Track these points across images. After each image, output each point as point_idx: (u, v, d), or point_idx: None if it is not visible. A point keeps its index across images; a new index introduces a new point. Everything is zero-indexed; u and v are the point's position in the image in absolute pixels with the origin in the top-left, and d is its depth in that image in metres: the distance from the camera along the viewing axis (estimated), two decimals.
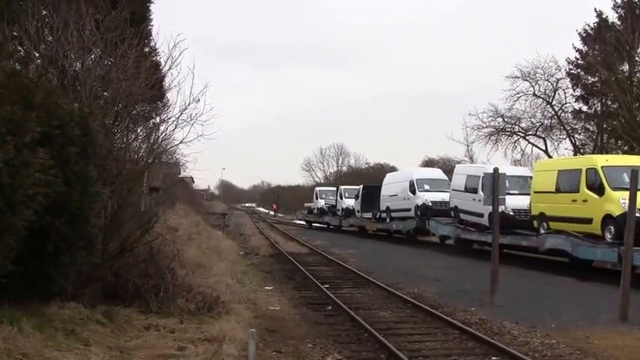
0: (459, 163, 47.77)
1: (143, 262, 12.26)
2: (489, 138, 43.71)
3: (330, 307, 14.64)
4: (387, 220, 36.43)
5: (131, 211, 13.07)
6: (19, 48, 12.67)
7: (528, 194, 23.42)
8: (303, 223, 61.16)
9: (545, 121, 42.57)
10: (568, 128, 41.52)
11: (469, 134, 45.55)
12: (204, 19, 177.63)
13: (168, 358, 8.65)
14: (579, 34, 38.91)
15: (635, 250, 13.91)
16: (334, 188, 53.48)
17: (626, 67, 35.37)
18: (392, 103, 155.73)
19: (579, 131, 41.51)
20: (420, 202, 31.73)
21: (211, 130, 13.19)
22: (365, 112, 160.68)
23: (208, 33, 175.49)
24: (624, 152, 32.24)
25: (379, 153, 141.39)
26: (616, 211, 17.79)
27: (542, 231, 21.93)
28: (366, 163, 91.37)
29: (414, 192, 32.67)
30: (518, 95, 42.07)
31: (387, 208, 36.22)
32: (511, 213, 23.53)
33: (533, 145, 43.66)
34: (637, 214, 13.17)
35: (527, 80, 41.80)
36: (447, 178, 33.47)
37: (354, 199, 43.75)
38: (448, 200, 29.41)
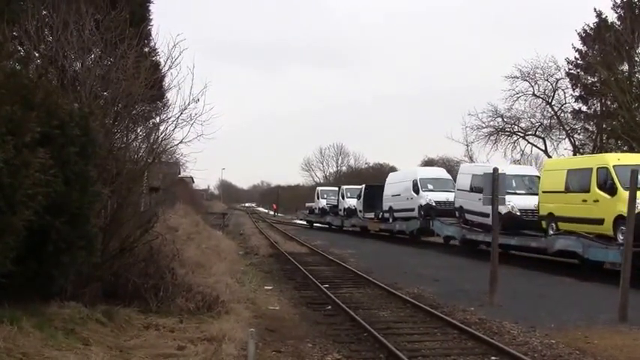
0: (458, 163, 47.88)
1: (143, 262, 12.28)
2: (489, 138, 43.79)
3: (329, 307, 14.65)
4: (390, 220, 36.01)
5: (131, 211, 13.08)
6: (19, 48, 12.67)
7: (536, 194, 23.06)
8: (304, 223, 60.84)
9: (545, 121, 42.68)
10: (567, 128, 41.56)
11: (469, 134, 45.59)
12: (204, 19, 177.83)
13: (167, 358, 8.66)
14: (579, 34, 38.98)
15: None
16: (336, 188, 53.17)
17: (625, 67, 35.39)
18: (392, 103, 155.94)
19: (579, 131, 41.57)
20: (423, 202, 31.39)
21: (211, 130, 13.23)
22: (365, 112, 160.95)
23: (208, 33, 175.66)
24: (624, 152, 32.22)
25: (379, 153, 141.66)
26: None
27: (550, 232, 21.46)
28: (366, 163, 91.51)
29: (417, 192, 32.30)
30: (518, 95, 42.17)
31: (390, 208, 35.81)
32: (518, 213, 23.29)
33: (532, 145, 43.77)
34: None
35: (526, 80, 41.90)
36: (450, 178, 33.26)
37: (356, 199, 43.38)
38: (452, 200, 29.11)
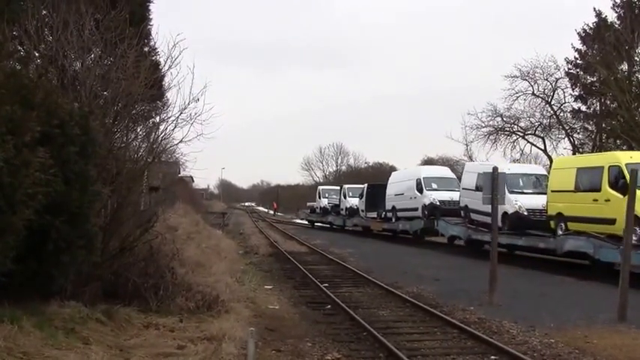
0: (457, 162, 47.93)
1: (143, 261, 12.29)
2: (488, 137, 43.78)
3: (329, 306, 14.66)
4: (393, 219, 35.45)
5: (131, 211, 13.09)
6: (19, 48, 12.68)
7: (543, 193, 22.66)
8: (305, 222, 60.48)
9: (544, 121, 42.68)
10: (567, 128, 41.59)
11: (468, 134, 45.54)
12: (205, 19, 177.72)
13: (167, 357, 8.67)
14: (578, 33, 39.02)
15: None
16: (337, 187, 52.73)
17: (625, 66, 35.44)
18: (392, 103, 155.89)
19: (578, 131, 41.61)
20: (427, 202, 30.93)
21: (211, 130, 13.25)
22: (365, 112, 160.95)
23: (208, 33, 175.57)
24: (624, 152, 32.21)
25: (378, 152, 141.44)
26: None
27: (559, 232, 21.00)
28: (365, 163, 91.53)
29: (421, 191, 31.82)
30: (518, 95, 42.18)
31: (393, 207, 35.26)
32: (525, 213, 22.96)
33: (532, 144, 43.78)
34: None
35: (526, 80, 41.91)
36: (455, 177, 32.96)
37: (358, 199, 42.76)
38: (457, 199, 28.67)
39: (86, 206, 9.64)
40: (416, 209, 32.01)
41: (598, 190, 19.15)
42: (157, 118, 14.94)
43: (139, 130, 14.61)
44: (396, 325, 12.56)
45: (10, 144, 7.77)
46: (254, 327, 9.45)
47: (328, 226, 51.21)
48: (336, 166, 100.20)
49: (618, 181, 18.29)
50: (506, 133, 44.02)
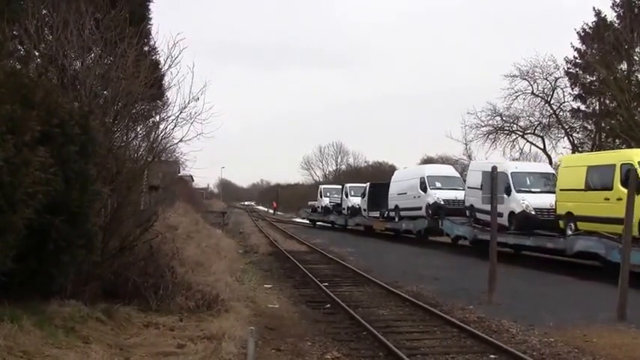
0: (457, 161, 47.91)
1: (143, 261, 12.30)
2: (488, 137, 43.77)
3: (328, 305, 14.67)
4: (396, 219, 34.83)
5: (131, 210, 13.10)
6: (19, 47, 12.72)
7: (551, 192, 22.16)
8: (306, 221, 60.12)
9: (544, 120, 42.67)
10: (566, 127, 41.60)
11: (468, 133, 45.50)
12: (205, 18, 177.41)
13: (167, 356, 8.69)
14: (578, 33, 39.01)
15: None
16: (339, 186, 52.25)
17: (624, 66, 35.45)
18: (391, 103, 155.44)
19: (577, 130, 41.60)
20: (431, 201, 30.42)
21: (210, 129, 13.25)
22: (365, 112, 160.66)
23: (208, 33, 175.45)
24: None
25: (378, 151, 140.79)
26: None
27: (569, 232, 20.41)
28: (365, 162, 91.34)
29: (424, 190, 31.28)
30: (517, 94, 42.15)
31: (396, 206, 34.68)
32: (533, 212, 22.54)
33: (531, 143, 43.78)
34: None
35: (525, 79, 41.90)
36: (459, 176, 32.69)
37: (360, 198, 42.24)
38: (461, 199, 28.22)
39: (86, 205, 9.66)
40: (419, 208, 31.54)
41: (610, 188, 18.51)
42: (157, 118, 14.96)
43: (138, 129, 14.65)
44: (395, 324, 12.57)
45: (10, 143, 7.79)
46: (254, 326, 9.45)
47: (330, 225, 50.90)
48: (336, 165, 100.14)
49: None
50: (505, 132, 44.04)
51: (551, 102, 41.88)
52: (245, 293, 14.76)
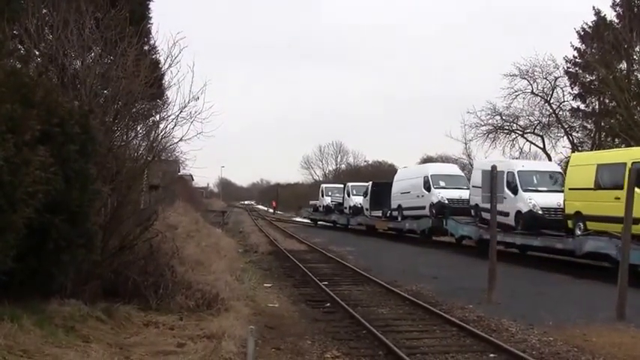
0: (456, 161, 47.90)
1: (143, 260, 12.31)
2: (487, 136, 43.70)
3: (328, 304, 14.69)
4: (399, 218, 34.40)
5: (131, 209, 13.11)
6: (20, 46, 12.72)
7: (559, 191, 21.87)
8: (307, 221, 59.93)
9: (543, 119, 42.62)
10: (566, 126, 41.57)
11: (467, 132, 45.49)
12: (204, 18, 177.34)
13: (167, 355, 8.70)
14: (577, 32, 38.97)
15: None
16: (341, 185, 51.98)
17: (624, 65, 35.44)
18: (392, 103, 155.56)
19: (577, 129, 41.56)
20: (435, 200, 30.09)
21: (210, 128, 13.26)
22: (365, 112, 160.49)
23: (208, 32, 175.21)
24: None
25: (377, 151, 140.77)
26: None
27: (578, 232, 19.98)
28: (365, 161, 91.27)
29: (428, 189, 30.95)
30: (517, 93, 42.08)
31: (399, 206, 34.27)
32: (540, 212, 22.26)
33: (531, 143, 43.73)
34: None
35: (525, 78, 41.84)
36: (463, 175, 32.47)
37: (362, 197, 41.91)
38: (466, 198, 27.82)
39: (86, 205, 9.67)
40: (423, 208, 31.23)
41: (620, 187, 17.33)
42: (157, 117, 14.96)
43: (139, 128, 14.65)
44: (395, 323, 12.58)
45: (10, 142, 7.80)
46: (254, 325, 9.46)
47: (331, 224, 50.61)
48: (336, 164, 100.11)
49: None
50: (505, 131, 43.99)
51: (551, 101, 41.88)
52: (245, 292, 14.77)
